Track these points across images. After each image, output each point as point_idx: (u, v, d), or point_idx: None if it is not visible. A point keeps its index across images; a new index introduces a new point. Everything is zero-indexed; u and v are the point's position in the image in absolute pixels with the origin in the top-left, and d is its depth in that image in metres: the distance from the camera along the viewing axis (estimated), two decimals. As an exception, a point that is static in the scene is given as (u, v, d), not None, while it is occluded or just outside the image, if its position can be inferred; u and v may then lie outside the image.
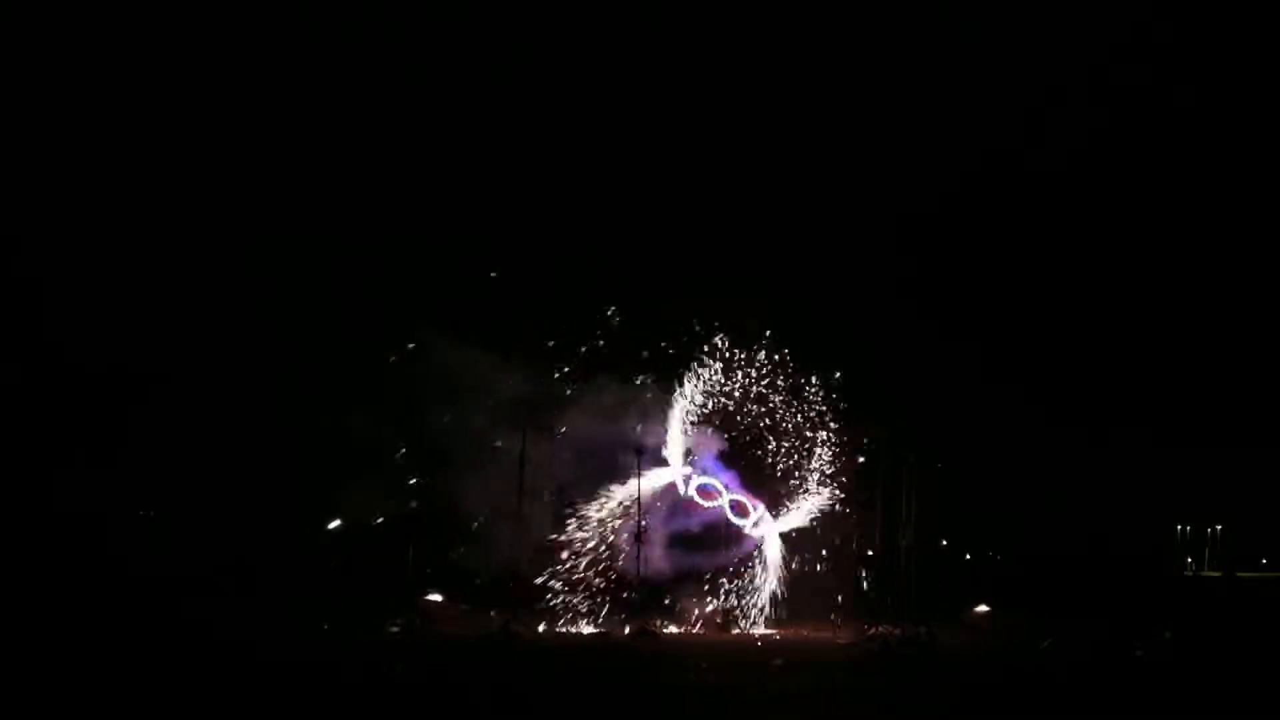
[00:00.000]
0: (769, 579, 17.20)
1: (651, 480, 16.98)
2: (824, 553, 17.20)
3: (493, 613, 15.58)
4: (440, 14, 17.87)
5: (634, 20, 17.86)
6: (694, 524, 17.27)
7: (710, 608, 17.12)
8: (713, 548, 17.30)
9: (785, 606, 17.13)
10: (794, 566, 17.22)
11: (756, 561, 17.24)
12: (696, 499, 17.17)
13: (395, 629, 15.15)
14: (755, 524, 17.16)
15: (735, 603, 17.15)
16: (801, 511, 17.26)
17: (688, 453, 17.21)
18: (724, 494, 17.13)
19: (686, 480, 17.14)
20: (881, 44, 18.28)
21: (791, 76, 18.29)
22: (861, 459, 17.38)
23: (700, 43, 18.09)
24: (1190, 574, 25.45)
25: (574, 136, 18.20)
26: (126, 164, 18.11)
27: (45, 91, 17.57)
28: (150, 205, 18.28)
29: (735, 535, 17.19)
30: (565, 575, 16.78)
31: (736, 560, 17.22)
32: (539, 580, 16.62)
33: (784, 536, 17.26)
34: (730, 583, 17.20)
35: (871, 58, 18.21)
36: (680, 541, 17.20)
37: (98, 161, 18.08)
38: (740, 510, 17.15)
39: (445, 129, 18.34)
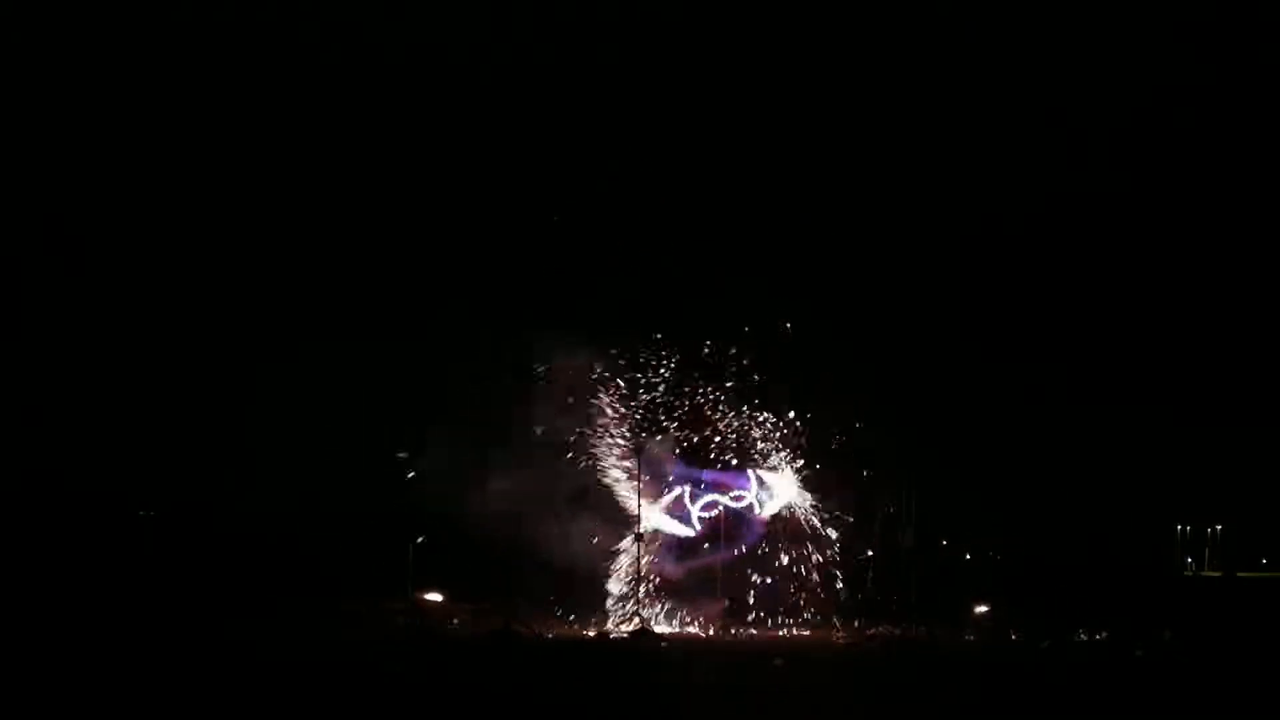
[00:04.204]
0: (768, 579, 17.21)
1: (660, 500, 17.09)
2: (824, 552, 17.20)
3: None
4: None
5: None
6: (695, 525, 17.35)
7: (710, 608, 17.13)
8: (713, 545, 17.33)
9: (785, 606, 17.13)
10: (794, 569, 17.22)
11: (755, 561, 17.26)
12: (700, 514, 17.22)
13: (399, 623, 15.16)
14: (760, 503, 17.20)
15: (734, 603, 17.17)
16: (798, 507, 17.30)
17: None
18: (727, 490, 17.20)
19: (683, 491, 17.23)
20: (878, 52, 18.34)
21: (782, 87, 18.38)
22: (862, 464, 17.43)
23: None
24: (1190, 574, 25.41)
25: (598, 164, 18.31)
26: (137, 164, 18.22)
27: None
28: (152, 208, 18.32)
29: (738, 527, 17.24)
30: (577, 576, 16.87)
31: (740, 554, 17.25)
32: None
33: (784, 536, 17.26)
34: (730, 582, 17.22)
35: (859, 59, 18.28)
36: (681, 541, 17.25)
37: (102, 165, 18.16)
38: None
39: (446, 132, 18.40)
